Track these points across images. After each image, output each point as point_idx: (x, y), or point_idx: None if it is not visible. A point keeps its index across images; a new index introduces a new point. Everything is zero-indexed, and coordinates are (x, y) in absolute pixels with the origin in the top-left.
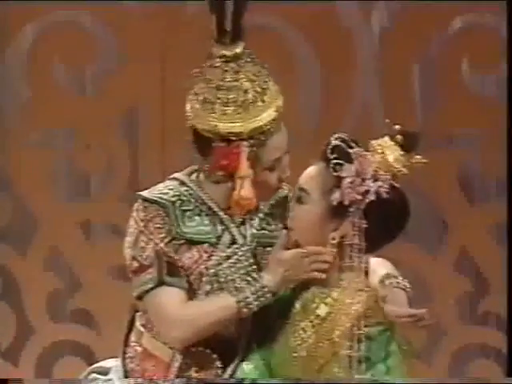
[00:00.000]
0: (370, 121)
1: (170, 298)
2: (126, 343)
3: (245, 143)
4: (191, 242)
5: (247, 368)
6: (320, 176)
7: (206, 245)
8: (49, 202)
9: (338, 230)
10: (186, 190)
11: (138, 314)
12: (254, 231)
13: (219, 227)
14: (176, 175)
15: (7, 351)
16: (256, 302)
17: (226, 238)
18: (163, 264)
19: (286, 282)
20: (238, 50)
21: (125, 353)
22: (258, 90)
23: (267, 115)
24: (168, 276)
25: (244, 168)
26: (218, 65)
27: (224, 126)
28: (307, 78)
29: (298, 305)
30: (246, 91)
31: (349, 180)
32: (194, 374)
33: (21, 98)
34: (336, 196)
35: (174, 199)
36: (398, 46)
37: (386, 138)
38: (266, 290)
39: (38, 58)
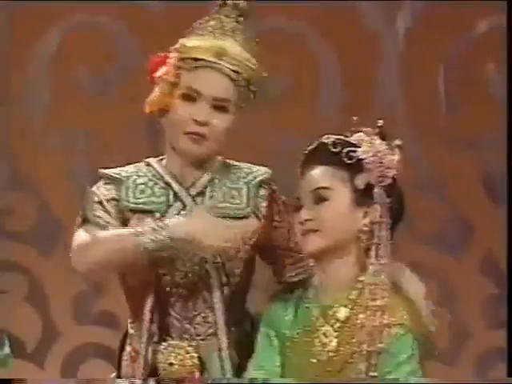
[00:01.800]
0: (394, 123)
1: (88, 232)
2: (123, 348)
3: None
4: (142, 212)
5: (258, 375)
6: (333, 172)
7: (157, 214)
8: (72, 204)
9: (367, 216)
10: (148, 169)
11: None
12: (215, 202)
13: (171, 198)
14: (147, 159)
15: (33, 353)
16: (149, 239)
17: (177, 206)
18: (94, 206)
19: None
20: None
21: (120, 358)
22: (228, 34)
23: (214, 47)
24: (97, 218)
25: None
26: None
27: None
28: (330, 80)
29: (316, 311)
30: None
31: (370, 159)
32: (169, 368)
33: (45, 100)
34: (362, 179)
35: (128, 174)
36: (423, 46)
37: (362, 134)
38: (164, 232)
39: (62, 59)
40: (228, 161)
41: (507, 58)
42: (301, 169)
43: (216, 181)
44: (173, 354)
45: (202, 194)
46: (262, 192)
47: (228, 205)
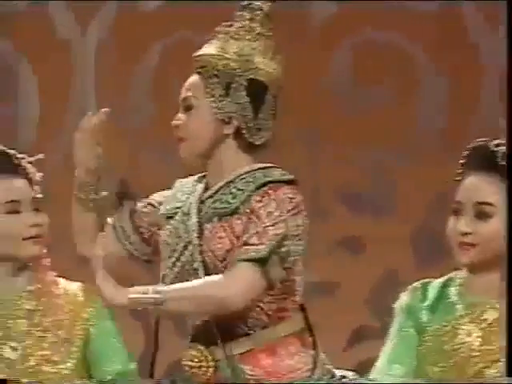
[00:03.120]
0: (497, 134)
1: None
2: None
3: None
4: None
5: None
6: (499, 186)
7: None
8: None
9: None
10: (198, 180)
11: None
12: (212, 204)
13: (185, 204)
14: None
15: (137, 367)
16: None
17: (182, 210)
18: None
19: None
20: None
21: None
22: (247, 42)
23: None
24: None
25: None
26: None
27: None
28: (432, 93)
29: (460, 308)
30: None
31: None
32: (188, 370)
33: (148, 112)
34: None
35: (181, 183)
36: None
37: None
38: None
39: (163, 75)
40: (263, 165)
41: (507, 58)
42: (462, 168)
43: (231, 184)
44: (191, 356)
45: (212, 195)
46: (263, 188)
47: (222, 205)
